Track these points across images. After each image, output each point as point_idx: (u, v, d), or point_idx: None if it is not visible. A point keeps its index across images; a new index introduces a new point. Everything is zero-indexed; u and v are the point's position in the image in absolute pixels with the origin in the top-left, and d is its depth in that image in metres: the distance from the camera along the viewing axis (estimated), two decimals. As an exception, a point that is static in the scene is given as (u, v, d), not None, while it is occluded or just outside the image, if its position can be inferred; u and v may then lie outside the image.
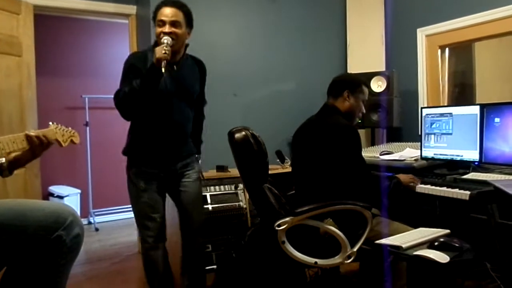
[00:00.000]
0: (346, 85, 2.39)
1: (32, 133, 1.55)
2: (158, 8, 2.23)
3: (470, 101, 3.69)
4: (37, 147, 1.56)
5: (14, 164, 1.55)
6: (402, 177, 2.42)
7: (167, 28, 2.17)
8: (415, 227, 2.15)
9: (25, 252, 1.34)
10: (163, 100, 2.21)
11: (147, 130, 2.26)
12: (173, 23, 2.18)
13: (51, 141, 1.61)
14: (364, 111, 2.50)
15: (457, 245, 1.70)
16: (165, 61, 2.02)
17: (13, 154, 1.53)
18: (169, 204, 2.44)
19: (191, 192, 2.40)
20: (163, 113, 2.23)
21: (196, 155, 2.54)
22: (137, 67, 2.18)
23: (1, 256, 1.34)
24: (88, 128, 5.03)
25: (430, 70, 3.70)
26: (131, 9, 3.71)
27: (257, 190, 2.06)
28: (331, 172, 2.19)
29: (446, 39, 3.58)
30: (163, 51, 2.02)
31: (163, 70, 2.02)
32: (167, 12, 2.19)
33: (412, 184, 2.43)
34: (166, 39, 2.11)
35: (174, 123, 2.28)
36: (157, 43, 2.20)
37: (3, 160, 1.52)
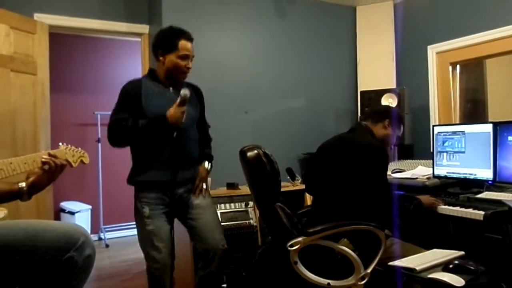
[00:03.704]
0: (389, 115, 2.42)
1: (45, 156, 1.56)
2: (178, 39, 2.24)
3: (482, 118, 3.66)
4: (53, 170, 1.57)
5: (33, 188, 1.55)
6: (424, 198, 2.37)
7: (191, 64, 2.27)
8: (429, 247, 2.12)
9: (37, 272, 1.34)
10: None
11: (148, 156, 2.23)
12: (192, 58, 2.29)
13: (63, 162, 1.61)
14: (394, 145, 2.54)
15: (472, 268, 1.66)
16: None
17: (31, 178, 1.54)
18: (176, 228, 2.40)
19: (204, 218, 2.31)
20: (164, 138, 2.20)
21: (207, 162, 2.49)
22: (131, 94, 2.22)
23: (13, 276, 1.35)
24: (99, 144, 5.07)
25: (441, 87, 3.69)
26: (144, 28, 3.77)
27: (269, 209, 2.04)
28: (353, 191, 2.16)
29: (457, 56, 3.58)
30: (182, 120, 2.10)
31: (174, 135, 2.13)
32: (189, 47, 2.26)
33: (434, 205, 2.39)
34: (187, 95, 2.12)
35: (174, 148, 2.24)
36: (170, 71, 2.26)
37: (23, 184, 1.53)
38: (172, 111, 2.10)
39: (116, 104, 2.25)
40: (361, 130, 2.40)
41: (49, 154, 1.58)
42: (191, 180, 2.35)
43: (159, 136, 2.14)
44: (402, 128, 2.51)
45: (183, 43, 2.23)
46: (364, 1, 4.09)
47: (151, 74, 2.33)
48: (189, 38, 2.27)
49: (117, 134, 2.18)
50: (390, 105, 3.51)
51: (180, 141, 2.25)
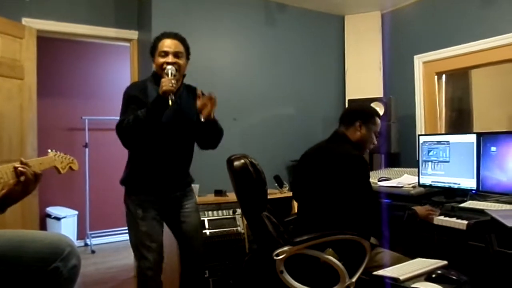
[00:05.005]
0: (359, 115, 2.34)
1: (20, 167, 1.45)
2: (159, 39, 2.27)
3: (467, 127, 3.73)
4: (27, 182, 1.46)
5: (4, 201, 1.45)
6: (419, 209, 2.32)
7: (170, 59, 2.21)
8: (413, 255, 2.14)
9: (22, 283, 1.34)
10: (162, 130, 2.21)
11: (147, 160, 2.25)
12: (176, 54, 2.23)
13: (38, 173, 1.50)
14: (376, 142, 2.43)
15: (454, 277, 1.69)
16: (171, 93, 2.05)
17: (2, 191, 1.43)
18: (165, 232, 2.42)
19: (192, 222, 2.39)
20: (163, 143, 2.23)
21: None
22: (138, 97, 2.19)
23: (-2, 287, 1.34)
24: (87, 149, 5.04)
25: (427, 96, 3.75)
26: (133, 34, 3.76)
27: (255, 218, 2.05)
28: (337, 202, 2.16)
29: (443, 66, 3.64)
30: (171, 84, 2.05)
31: (170, 102, 2.05)
32: (170, 43, 2.24)
33: (430, 216, 2.33)
34: (170, 69, 2.14)
35: (174, 152, 2.28)
36: (158, 73, 2.24)
37: None
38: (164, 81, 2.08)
39: (121, 108, 2.23)
40: (337, 139, 2.35)
41: (21, 162, 1.46)
42: (186, 185, 2.41)
43: (160, 115, 2.09)
44: (378, 121, 2.40)
45: (162, 41, 2.25)
46: (352, 11, 4.15)
47: (155, 77, 2.29)
48: (169, 35, 2.26)
49: (124, 133, 2.13)
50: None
51: (176, 146, 2.28)
